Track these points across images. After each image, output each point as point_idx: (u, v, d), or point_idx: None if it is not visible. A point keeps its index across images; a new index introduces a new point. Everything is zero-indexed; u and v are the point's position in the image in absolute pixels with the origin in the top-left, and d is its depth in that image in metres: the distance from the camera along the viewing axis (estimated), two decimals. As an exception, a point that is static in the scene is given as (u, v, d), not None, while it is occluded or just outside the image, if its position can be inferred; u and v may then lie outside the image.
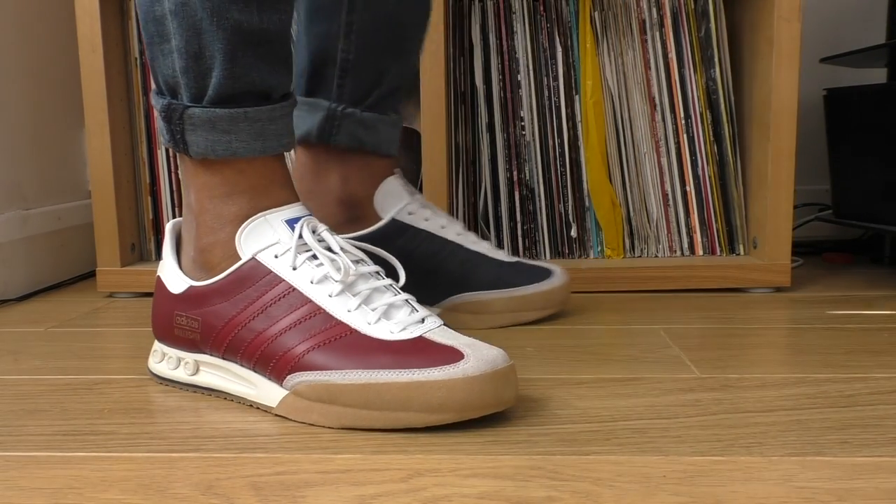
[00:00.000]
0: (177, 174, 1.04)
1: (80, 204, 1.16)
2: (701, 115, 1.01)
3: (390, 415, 0.52)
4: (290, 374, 0.55)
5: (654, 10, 1.00)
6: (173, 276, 0.62)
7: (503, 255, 0.82)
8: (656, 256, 1.03)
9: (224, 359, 0.59)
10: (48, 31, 1.10)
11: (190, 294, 0.61)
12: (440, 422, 0.52)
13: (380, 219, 0.78)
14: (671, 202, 1.02)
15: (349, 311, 0.56)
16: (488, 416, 0.55)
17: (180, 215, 1.05)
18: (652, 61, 1.01)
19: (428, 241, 0.79)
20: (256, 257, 0.58)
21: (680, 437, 0.51)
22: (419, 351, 0.53)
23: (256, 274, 0.58)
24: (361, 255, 0.60)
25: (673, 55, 1.01)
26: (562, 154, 1.02)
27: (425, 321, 0.56)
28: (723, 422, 0.54)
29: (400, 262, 0.62)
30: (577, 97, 1.01)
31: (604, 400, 0.59)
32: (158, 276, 0.64)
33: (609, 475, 0.46)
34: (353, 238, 0.77)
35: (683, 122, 1.01)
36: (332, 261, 0.57)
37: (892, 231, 0.98)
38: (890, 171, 0.99)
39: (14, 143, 1.03)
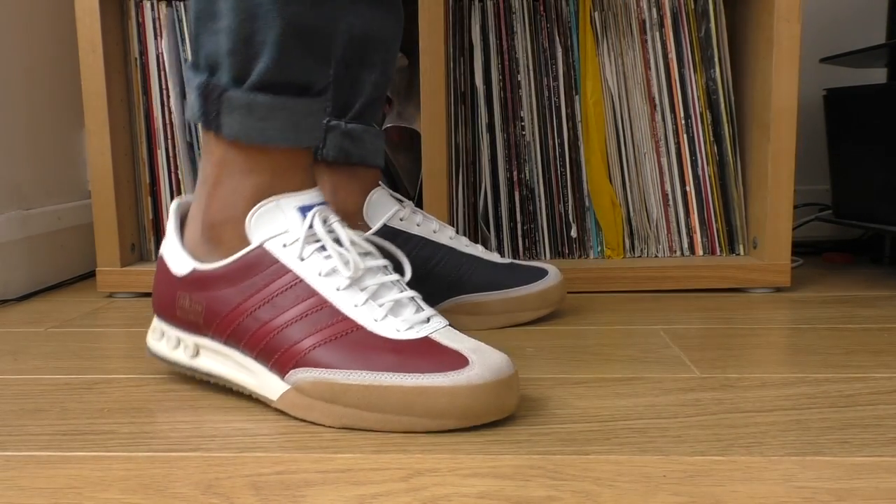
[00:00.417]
0: (177, 174, 1.04)
1: (80, 204, 1.16)
2: (701, 115, 1.01)
3: (392, 418, 0.52)
4: (293, 368, 0.55)
5: (654, 10, 1.00)
6: (177, 257, 0.61)
7: (497, 258, 0.82)
8: (656, 256, 1.03)
9: (226, 345, 0.59)
10: (48, 30, 1.10)
11: (194, 277, 0.60)
12: (441, 427, 0.52)
13: (369, 229, 0.78)
14: (671, 202, 1.02)
15: (356, 305, 0.56)
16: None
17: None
18: (652, 61, 1.01)
19: (421, 245, 0.79)
20: (264, 245, 0.57)
21: (680, 437, 0.51)
22: (424, 353, 0.53)
23: (264, 262, 0.57)
24: (371, 248, 0.60)
25: (673, 55, 1.01)
26: (562, 154, 1.02)
27: (430, 321, 0.56)
28: (723, 422, 0.54)
29: (393, 268, 0.62)
30: (577, 97, 1.01)
31: (604, 400, 0.59)
32: (161, 255, 0.63)
33: (609, 475, 0.46)
34: None
35: (683, 122, 1.01)
36: (341, 254, 0.57)
37: (892, 231, 0.98)
38: (890, 171, 0.99)
39: (14, 144, 1.03)
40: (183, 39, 1.02)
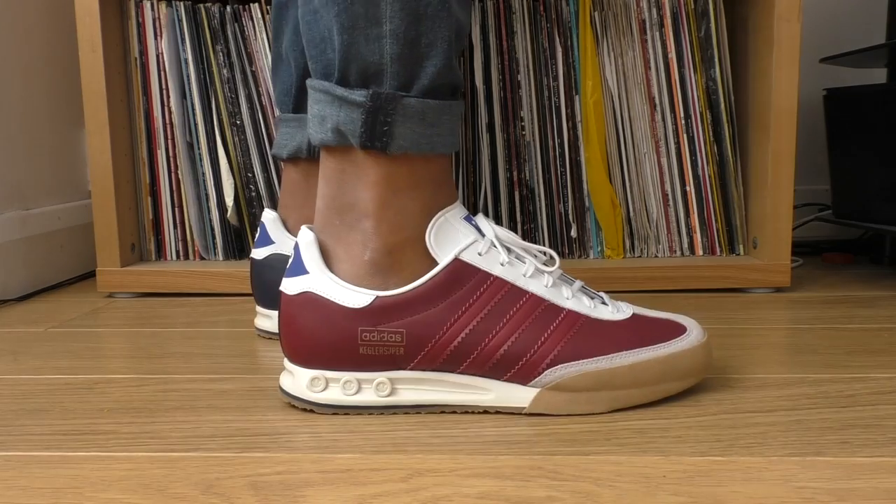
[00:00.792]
0: (177, 174, 1.04)
1: (80, 204, 1.16)
2: (701, 115, 1.01)
3: (655, 388, 0.56)
4: (546, 369, 0.55)
5: (654, 10, 1.00)
6: (342, 290, 0.55)
7: None
8: (656, 256, 1.03)
9: (437, 371, 0.55)
10: (48, 30, 1.10)
11: (380, 305, 0.54)
12: (685, 387, 0.58)
13: None
14: (671, 202, 1.02)
15: (567, 298, 0.57)
16: (486, 416, 0.55)
17: (181, 215, 1.05)
18: (652, 61, 1.01)
19: None
20: (461, 257, 0.55)
21: (680, 437, 0.51)
22: (647, 327, 0.57)
23: (465, 275, 0.55)
24: (523, 243, 0.59)
25: (673, 55, 1.01)
26: (562, 154, 1.02)
27: (615, 303, 0.60)
28: (723, 422, 0.54)
29: None
30: (577, 97, 1.01)
31: (604, 400, 0.59)
32: (310, 294, 0.55)
33: (609, 475, 0.46)
34: None
35: (683, 122, 1.01)
36: (527, 252, 0.58)
37: (892, 231, 0.98)
38: (890, 171, 0.99)
39: (14, 143, 1.03)
40: (183, 39, 1.02)
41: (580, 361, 0.55)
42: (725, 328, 0.79)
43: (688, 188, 1.02)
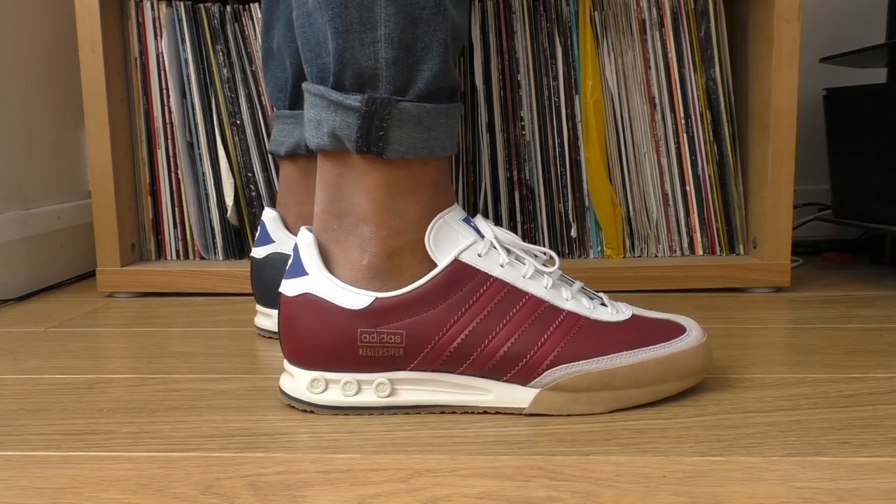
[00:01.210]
0: (177, 174, 1.04)
1: (80, 204, 1.16)
2: (701, 114, 1.01)
3: (655, 388, 0.56)
4: (546, 370, 0.55)
5: (654, 10, 1.00)
6: (341, 292, 0.55)
7: None
8: (656, 256, 1.03)
9: (437, 371, 0.55)
10: (48, 30, 1.10)
11: (379, 307, 0.54)
12: (685, 387, 0.58)
13: None
14: (671, 202, 1.02)
15: (567, 300, 0.57)
16: (486, 416, 0.55)
17: (181, 215, 1.05)
18: (652, 61, 1.01)
19: None
20: (460, 258, 0.55)
21: (680, 437, 0.51)
22: (647, 327, 0.57)
23: (465, 276, 0.55)
24: (523, 244, 0.59)
25: (673, 55, 1.01)
26: (562, 154, 1.02)
27: (614, 304, 0.59)
28: (723, 422, 0.54)
29: None
30: (577, 97, 1.01)
31: (604, 400, 0.59)
32: (310, 295, 0.55)
33: (609, 475, 0.46)
34: None
35: (683, 121, 1.01)
36: (532, 256, 0.58)
37: (892, 231, 0.98)
38: (890, 171, 0.99)
39: (14, 143, 1.03)
40: (183, 39, 1.02)
41: (580, 362, 0.55)
42: (725, 328, 0.79)
43: (688, 188, 1.02)
